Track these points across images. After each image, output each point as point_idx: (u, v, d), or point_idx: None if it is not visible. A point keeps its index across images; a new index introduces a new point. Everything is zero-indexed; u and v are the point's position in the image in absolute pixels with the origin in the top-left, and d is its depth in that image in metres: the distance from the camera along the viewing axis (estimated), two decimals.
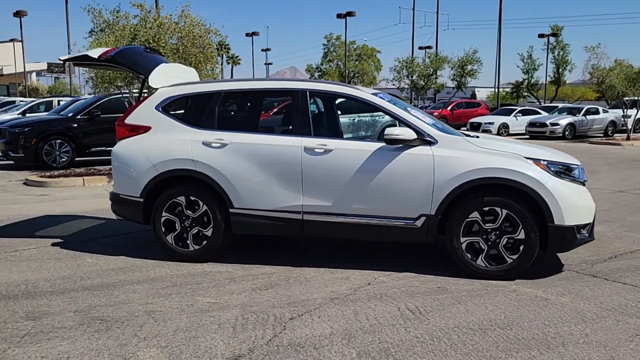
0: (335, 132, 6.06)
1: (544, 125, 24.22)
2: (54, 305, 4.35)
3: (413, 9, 50.87)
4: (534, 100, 47.49)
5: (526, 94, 49.11)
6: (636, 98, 23.52)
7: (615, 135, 25.57)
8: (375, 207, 5.10)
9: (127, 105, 11.95)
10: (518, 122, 26.54)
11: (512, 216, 4.84)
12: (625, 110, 23.60)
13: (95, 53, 5.84)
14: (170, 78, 5.92)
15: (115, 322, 4.01)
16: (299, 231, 5.31)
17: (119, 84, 10.77)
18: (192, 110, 5.74)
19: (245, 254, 5.75)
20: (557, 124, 23.90)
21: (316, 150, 5.17)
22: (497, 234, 4.91)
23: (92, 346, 3.60)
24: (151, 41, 9.85)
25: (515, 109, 27.83)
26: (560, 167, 5.05)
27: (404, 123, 5.14)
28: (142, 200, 5.56)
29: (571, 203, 4.84)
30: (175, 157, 5.43)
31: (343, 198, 5.14)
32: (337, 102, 6.27)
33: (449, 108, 29.36)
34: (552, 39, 46.49)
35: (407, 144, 5.02)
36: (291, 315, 4.14)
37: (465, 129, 23.34)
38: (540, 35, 46.78)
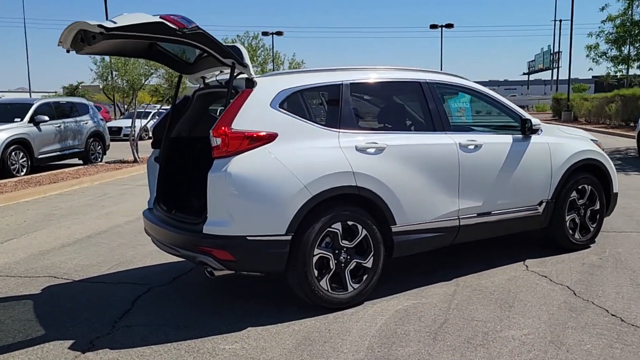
0: (460, 125, 5.48)
1: None
2: None
3: None
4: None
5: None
6: None
7: None
8: (514, 199, 5.04)
9: None
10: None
11: (593, 190, 5.60)
12: None
13: (171, 23, 3.62)
14: None
15: None
16: (452, 240, 4.73)
17: None
18: (320, 106, 4.29)
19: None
20: None
21: (469, 147, 4.72)
22: (584, 208, 5.57)
23: None
24: None
25: (150, 112, 27.42)
26: None
27: (518, 115, 5.19)
28: (289, 238, 3.87)
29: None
30: (332, 171, 4.01)
31: (491, 195, 4.87)
32: None
33: None
34: None
35: (529, 134, 5.14)
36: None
37: None
38: None
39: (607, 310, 4.00)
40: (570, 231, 5.47)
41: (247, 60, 3.97)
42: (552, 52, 63.34)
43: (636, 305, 4.08)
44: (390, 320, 3.93)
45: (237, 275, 4.13)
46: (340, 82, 4.31)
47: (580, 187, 5.49)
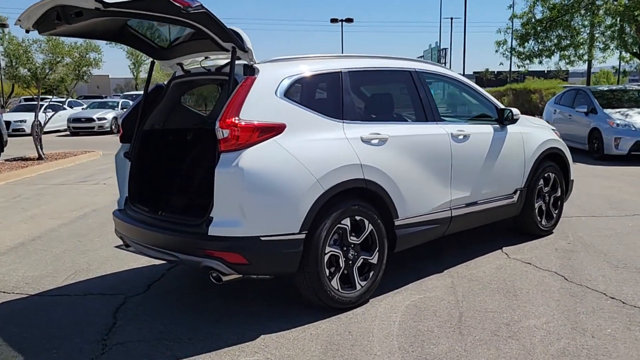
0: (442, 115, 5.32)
1: (90, 120, 23.18)
2: None
3: None
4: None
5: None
6: None
7: None
8: (495, 189, 5.08)
9: None
10: (52, 119, 24.38)
11: (556, 178, 5.80)
12: None
13: (175, 0, 3.19)
14: None
15: None
16: (445, 231, 4.68)
17: None
18: (320, 95, 4.03)
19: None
20: (104, 119, 23.33)
21: (459, 137, 4.68)
22: (548, 195, 5.76)
23: None
24: None
25: (43, 105, 25.28)
26: None
27: (494, 105, 5.25)
28: (302, 236, 3.60)
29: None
30: (342, 163, 3.78)
31: (477, 185, 4.88)
32: None
33: None
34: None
35: (507, 124, 5.21)
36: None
37: None
38: None
39: (604, 294, 4.12)
40: (538, 218, 5.64)
41: (249, 45, 3.63)
42: (439, 48, 66.29)
43: (627, 287, 4.25)
44: (406, 317, 3.79)
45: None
46: (340, 70, 4.08)
47: (546, 175, 5.66)
